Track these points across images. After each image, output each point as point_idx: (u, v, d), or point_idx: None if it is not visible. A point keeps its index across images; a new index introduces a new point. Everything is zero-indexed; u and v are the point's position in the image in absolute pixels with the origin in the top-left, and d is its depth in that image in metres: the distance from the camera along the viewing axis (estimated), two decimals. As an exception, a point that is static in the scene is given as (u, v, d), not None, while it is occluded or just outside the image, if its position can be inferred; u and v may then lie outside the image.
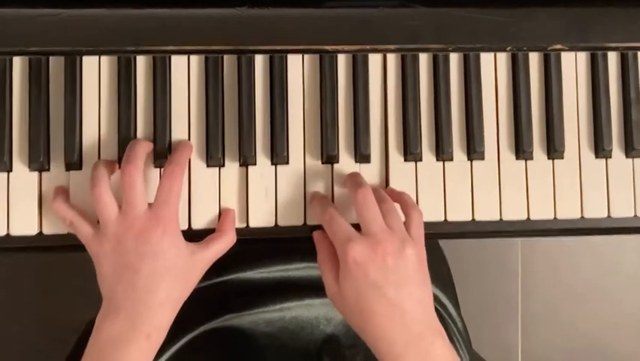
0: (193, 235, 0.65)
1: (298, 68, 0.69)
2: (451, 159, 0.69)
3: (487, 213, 0.69)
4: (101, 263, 0.62)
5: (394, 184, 0.68)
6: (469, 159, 0.69)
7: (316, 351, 0.73)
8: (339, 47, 0.66)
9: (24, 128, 0.66)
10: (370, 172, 0.68)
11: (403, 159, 0.69)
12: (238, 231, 0.67)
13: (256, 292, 0.76)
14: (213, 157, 0.67)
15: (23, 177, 0.66)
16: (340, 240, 0.61)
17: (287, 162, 0.68)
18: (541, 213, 0.69)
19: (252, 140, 0.67)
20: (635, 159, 0.70)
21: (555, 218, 0.69)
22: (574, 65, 0.71)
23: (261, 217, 0.67)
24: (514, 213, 0.69)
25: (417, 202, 0.68)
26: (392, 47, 0.67)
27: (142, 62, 0.68)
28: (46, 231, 0.66)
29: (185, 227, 0.66)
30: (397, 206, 0.65)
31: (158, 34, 0.65)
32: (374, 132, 0.69)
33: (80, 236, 0.63)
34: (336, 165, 0.68)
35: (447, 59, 0.70)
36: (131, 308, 0.60)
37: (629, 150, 0.70)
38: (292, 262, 0.77)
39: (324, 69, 0.69)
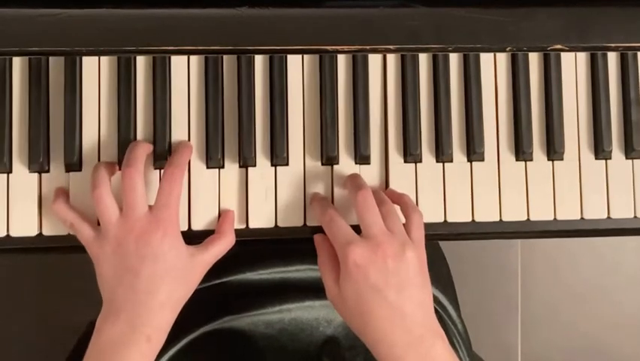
0: (193, 237, 0.65)
1: (298, 68, 0.69)
2: (451, 160, 0.69)
3: (486, 214, 0.69)
4: (101, 265, 0.62)
5: (394, 185, 0.68)
6: (468, 160, 0.69)
7: (316, 353, 0.73)
8: (339, 47, 0.66)
9: (24, 129, 0.66)
10: (370, 173, 0.68)
11: (402, 160, 0.69)
12: (238, 232, 0.67)
13: (256, 293, 0.76)
14: (213, 158, 0.67)
15: (23, 179, 0.66)
16: (340, 242, 0.61)
17: (287, 163, 0.68)
18: (541, 214, 0.69)
19: (252, 141, 0.67)
20: (635, 160, 0.70)
21: (555, 219, 0.69)
22: (574, 66, 0.71)
23: (260, 218, 0.67)
24: (514, 214, 0.69)
25: (416, 203, 0.68)
26: (392, 47, 0.67)
27: (142, 62, 0.68)
28: (46, 232, 0.66)
29: (185, 228, 0.66)
30: (397, 208, 0.65)
31: (157, 34, 0.65)
32: (374, 133, 0.69)
33: (81, 238, 0.63)
34: (336, 166, 0.68)
35: (447, 59, 0.70)
36: (131, 310, 0.60)
37: (629, 151, 0.70)
38: (292, 264, 0.77)
39: (324, 69, 0.69)
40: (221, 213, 0.67)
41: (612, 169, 0.70)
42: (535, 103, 0.70)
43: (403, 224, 0.64)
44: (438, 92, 0.69)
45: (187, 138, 0.67)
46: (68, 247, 0.67)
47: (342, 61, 0.69)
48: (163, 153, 0.67)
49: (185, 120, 0.68)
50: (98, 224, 0.63)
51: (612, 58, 0.71)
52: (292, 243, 0.68)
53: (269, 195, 0.68)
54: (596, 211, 0.70)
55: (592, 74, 0.71)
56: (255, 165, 0.68)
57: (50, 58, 0.67)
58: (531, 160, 0.70)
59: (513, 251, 1.49)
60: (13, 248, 0.67)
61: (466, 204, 0.69)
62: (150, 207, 0.62)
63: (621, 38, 0.68)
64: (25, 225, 0.66)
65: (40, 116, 0.66)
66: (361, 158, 0.68)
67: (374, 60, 0.69)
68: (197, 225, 0.67)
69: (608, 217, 0.70)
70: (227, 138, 0.68)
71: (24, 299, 1.40)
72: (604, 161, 0.70)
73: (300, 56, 0.69)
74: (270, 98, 0.68)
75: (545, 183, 0.69)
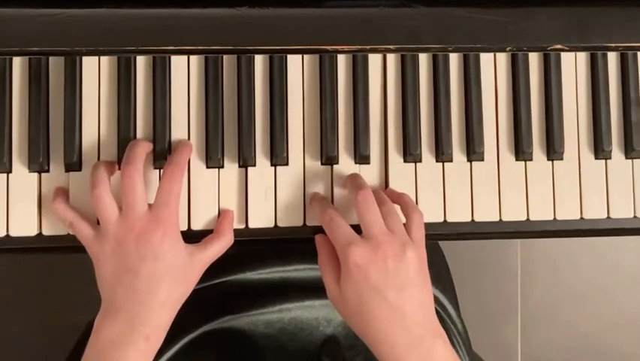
0: (192, 236, 0.65)
1: (298, 68, 0.69)
2: (451, 160, 0.69)
3: (486, 214, 0.69)
4: (101, 265, 0.62)
5: (394, 185, 0.68)
6: (468, 160, 0.69)
7: (316, 352, 0.73)
8: (339, 47, 0.66)
9: (24, 129, 0.66)
10: (370, 173, 0.68)
11: (402, 160, 0.69)
12: (237, 232, 0.67)
13: (255, 293, 0.76)
14: (213, 158, 0.67)
15: (23, 178, 0.66)
16: (341, 243, 0.61)
17: (286, 163, 0.68)
18: (541, 214, 0.69)
19: (252, 140, 0.67)
20: (635, 160, 0.70)
21: (555, 219, 0.69)
22: (574, 66, 0.71)
23: (260, 218, 0.67)
24: (514, 214, 0.69)
25: (416, 203, 0.68)
26: (392, 46, 0.67)
27: (142, 62, 0.68)
28: (45, 232, 0.66)
29: (185, 228, 0.66)
30: (397, 208, 0.65)
31: (157, 34, 0.65)
32: (374, 133, 0.69)
33: (80, 237, 0.63)
34: (335, 166, 0.68)
35: (447, 59, 0.70)
36: (130, 310, 0.60)
37: (629, 151, 0.70)
38: (292, 263, 0.77)
39: (323, 69, 0.69)
40: (220, 213, 0.67)
41: (612, 169, 0.70)
42: (535, 103, 0.70)
43: (404, 224, 0.64)
44: (438, 92, 0.69)
45: (187, 138, 0.67)
46: (68, 247, 0.67)
47: (342, 61, 0.69)
48: (163, 153, 0.67)
49: (185, 120, 0.68)
50: (98, 223, 0.63)
51: (612, 58, 0.71)
52: (292, 243, 0.68)
53: (269, 195, 0.68)
54: (595, 211, 0.70)
55: (592, 74, 0.71)
56: (254, 165, 0.68)
57: (50, 58, 0.67)
58: (531, 160, 0.70)
59: (513, 251, 1.49)
60: (13, 248, 0.67)
61: (466, 204, 0.69)
62: (150, 206, 0.62)
63: (621, 38, 0.68)
64: (24, 225, 0.66)
65: (40, 116, 0.66)
66: (361, 158, 0.68)
67: (374, 60, 0.69)
68: (197, 224, 0.67)
69: (608, 217, 0.70)
70: (227, 138, 0.68)
71: (24, 299, 1.40)
72: (604, 161, 0.70)
73: (300, 55, 0.69)
74: (269, 97, 0.68)
75: (545, 183, 0.69)
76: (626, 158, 0.70)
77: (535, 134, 0.70)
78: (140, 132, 0.67)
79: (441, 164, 0.69)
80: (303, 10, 0.66)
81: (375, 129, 0.69)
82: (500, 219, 0.69)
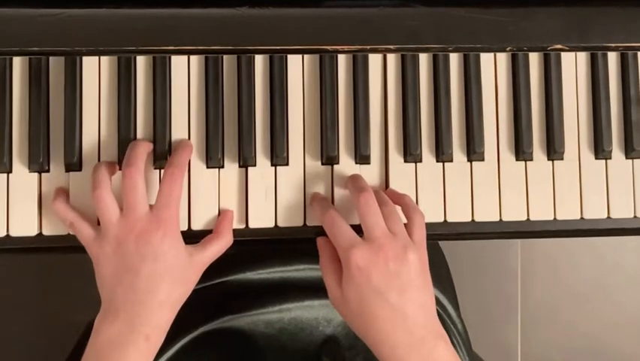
0: (192, 236, 0.65)
1: (298, 68, 0.69)
2: (451, 160, 0.69)
3: (486, 214, 0.69)
4: (101, 265, 0.62)
5: (394, 185, 0.68)
6: (468, 160, 0.69)
7: (316, 352, 0.73)
8: (339, 47, 0.66)
9: (24, 129, 0.66)
10: (370, 173, 0.68)
11: (402, 160, 0.69)
12: (238, 232, 0.67)
13: (256, 293, 0.76)
14: (213, 158, 0.67)
15: (23, 178, 0.66)
16: (343, 245, 0.61)
17: (287, 163, 0.68)
18: (541, 214, 0.69)
19: (252, 140, 0.67)
20: (635, 160, 0.70)
21: (555, 219, 0.69)
22: (574, 65, 0.71)
23: (260, 218, 0.67)
24: (514, 214, 0.69)
25: (416, 203, 0.68)
26: (392, 46, 0.67)
27: (142, 62, 0.68)
28: (45, 232, 0.66)
29: (185, 228, 0.66)
30: (398, 208, 0.65)
31: (158, 34, 0.65)
32: (374, 133, 0.69)
33: (81, 238, 0.63)
34: (336, 166, 0.68)
35: (447, 59, 0.70)
36: (130, 310, 0.60)
37: (629, 151, 0.70)
38: (292, 263, 0.77)
39: (324, 69, 0.69)
40: (220, 213, 0.67)
41: (612, 169, 0.70)
42: (535, 103, 0.70)
43: (405, 225, 0.64)
44: (438, 92, 0.69)
45: (187, 138, 0.67)
46: (68, 247, 0.67)
47: (342, 61, 0.69)
48: (163, 153, 0.67)
49: (185, 120, 0.68)
50: (98, 224, 0.63)
51: (612, 58, 0.71)
52: (292, 243, 0.68)
53: (269, 195, 0.68)
54: (595, 211, 0.70)
55: (592, 74, 0.71)
56: (254, 165, 0.68)
57: (50, 58, 0.67)
58: (531, 160, 0.70)
59: (513, 251, 1.49)
60: (13, 248, 0.67)
61: (466, 204, 0.69)
62: (151, 206, 0.62)
63: (621, 38, 0.68)
64: (25, 225, 0.66)
65: (40, 116, 0.66)
66: (361, 158, 0.68)
67: (374, 60, 0.69)
68: (197, 224, 0.67)
69: (608, 217, 0.70)
70: (227, 138, 0.68)
71: (24, 299, 1.40)
72: (604, 161, 0.70)
73: (300, 55, 0.69)
74: (270, 97, 0.68)
75: (545, 183, 0.69)
76: (627, 158, 0.70)
77: (536, 134, 0.70)
78: (140, 132, 0.67)
79: (441, 164, 0.69)
80: (303, 10, 0.66)
81: (375, 129, 0.69)
82: (500, 219, 0.69)
